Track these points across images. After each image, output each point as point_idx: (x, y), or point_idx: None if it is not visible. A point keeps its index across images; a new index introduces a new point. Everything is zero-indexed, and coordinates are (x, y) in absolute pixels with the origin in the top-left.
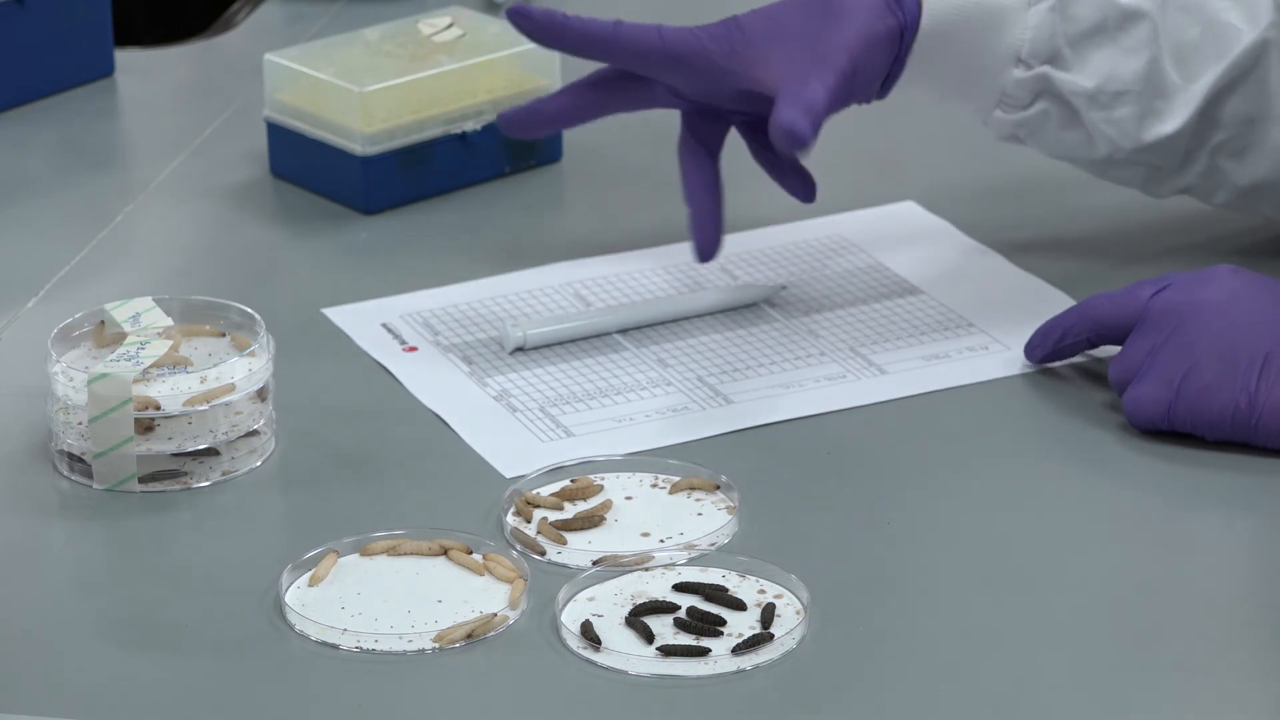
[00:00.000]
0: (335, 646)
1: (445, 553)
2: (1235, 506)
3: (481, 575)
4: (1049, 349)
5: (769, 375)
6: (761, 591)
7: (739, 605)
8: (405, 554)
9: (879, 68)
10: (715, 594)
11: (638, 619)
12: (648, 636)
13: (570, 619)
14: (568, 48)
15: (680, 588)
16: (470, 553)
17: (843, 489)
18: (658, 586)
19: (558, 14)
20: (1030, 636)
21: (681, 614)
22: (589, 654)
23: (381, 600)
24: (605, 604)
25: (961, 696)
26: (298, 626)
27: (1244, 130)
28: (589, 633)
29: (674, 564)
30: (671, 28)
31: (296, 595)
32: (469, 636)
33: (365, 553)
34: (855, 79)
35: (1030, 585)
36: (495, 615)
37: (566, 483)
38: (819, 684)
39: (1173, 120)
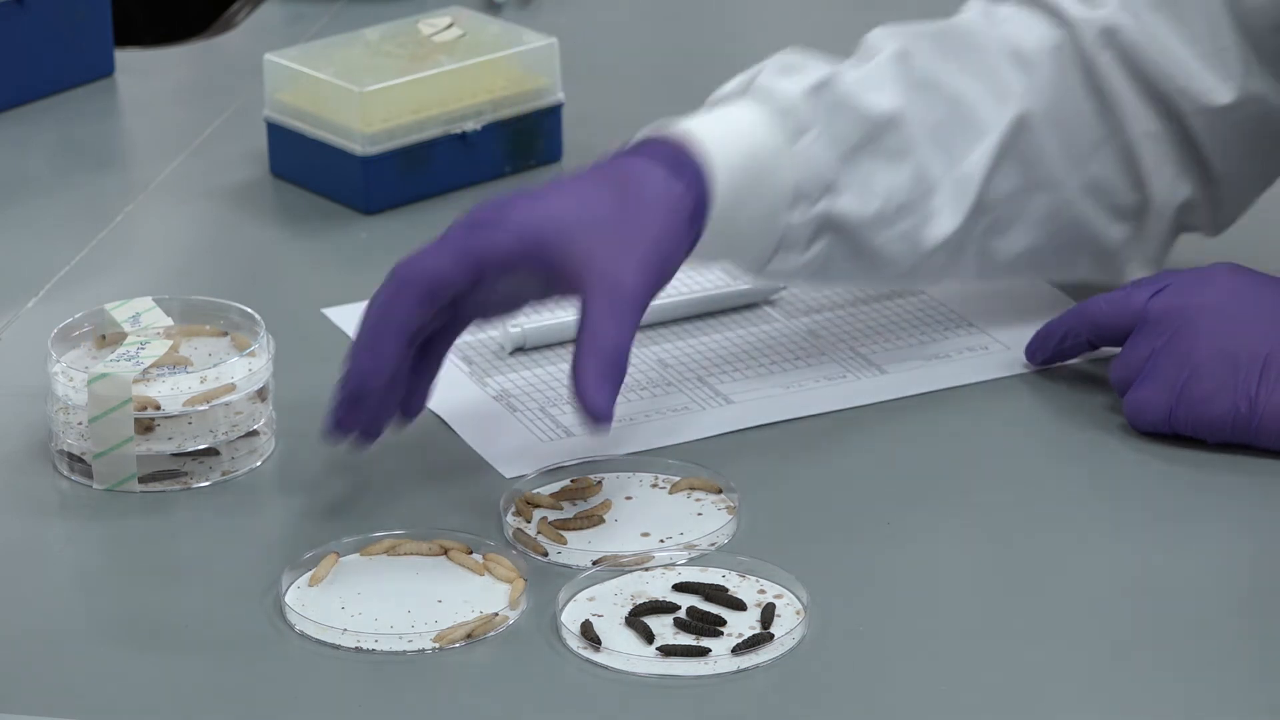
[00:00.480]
0: (335, 646)
1: (445, 553)
2: (1235, 506)
3: (481, 575)
4: (1049, 351)
5: (769, 375)
6: (761, 591)
7: (739, 605)
8: (405, 554)
9: (684, 251)
10: (715, 594)
11: (638, 619)
12: (648, 636)
13: (570, 619)
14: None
15: (680, 588)
16: (470, 553)
17: (843, 489)
18: (658, 586)
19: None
20: (1030, 636)
21: (681, 614)
22: (589, 654)
23: (381, 600)
24: (605, 604)
25: (961, 696)
26: (297, 626)
27: (1008, 207)
28: (589, 633)
29: (674, 564)
30: (479, 243)
31: (296, 595)
32: (469, 636)
33: (365, 553)
34: (665, 273)
35: (1030, 585)
36: (495, 615)
37: (566, 483)
38: (819, 684)
39: (949, 219)
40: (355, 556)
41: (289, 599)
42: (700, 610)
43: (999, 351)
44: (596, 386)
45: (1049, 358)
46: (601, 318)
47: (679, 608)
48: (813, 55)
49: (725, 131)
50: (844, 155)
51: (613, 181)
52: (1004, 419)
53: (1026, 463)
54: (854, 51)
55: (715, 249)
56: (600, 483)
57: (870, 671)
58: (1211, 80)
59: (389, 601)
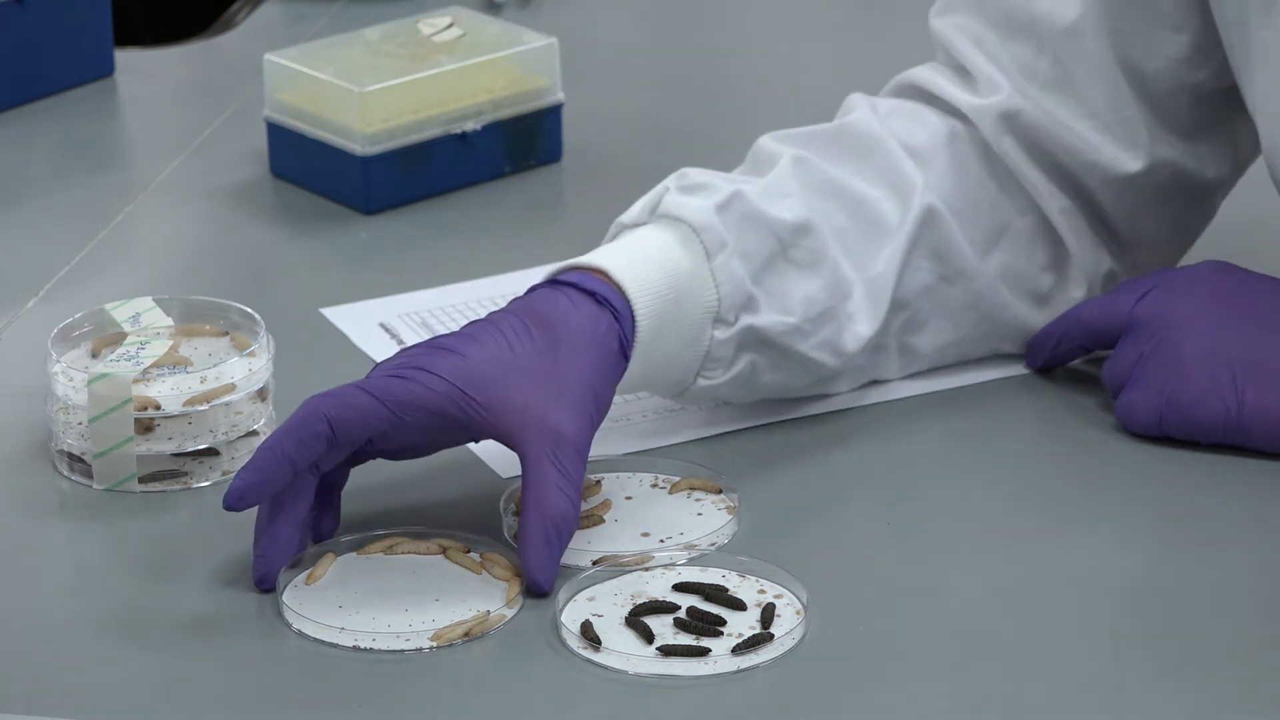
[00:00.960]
0: (334, 645)
1: (444, 552)
2: (1234, 506)
3: (479, 574)
4: (1045, 356)
5: None
6: (761, 591)
7: (739, 605)
8: (403, 553)
9: (615, 385)
10: (715, 594)
11: (638, 619)
12: (648, 636)
13: (570, 619)
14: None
15: (680, 588)
16: (468, 551)
17: (843, 489)
18: (658, 586)
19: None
20: (1029, 636)
21: (681, 614)
22: (589, 654)
23: (379, 599)
24: (605, 604)
25: (961, 696)
26: (295, 625)
27: (923, 301)
28: (589, 633)
29: (674, 564)
30: (392, 392)
31: (294, 595)
32: (466, 635)
33: (363, 552)
34: (601, 412)
35: (1029, 585)
36: (490, 614)
37: None
38: (819, 684)
39: (867, 322)
40: (353, 556)
41: (286, 598)
42: (700, 610)
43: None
44: (539, 559)
45: (1046, 362)
46: (546, 480)
47: (679, 608)
48: (712, 173)
49: (640, 258)
50: (759, 269)
51: (539, 323)
52: (1003, 419)
53: (1025, 463)
54: (748, 162)
55: (639, 377)
56: (600, 483)
57: (870, 671)
58: (1116, 151)
59: (387, 601)
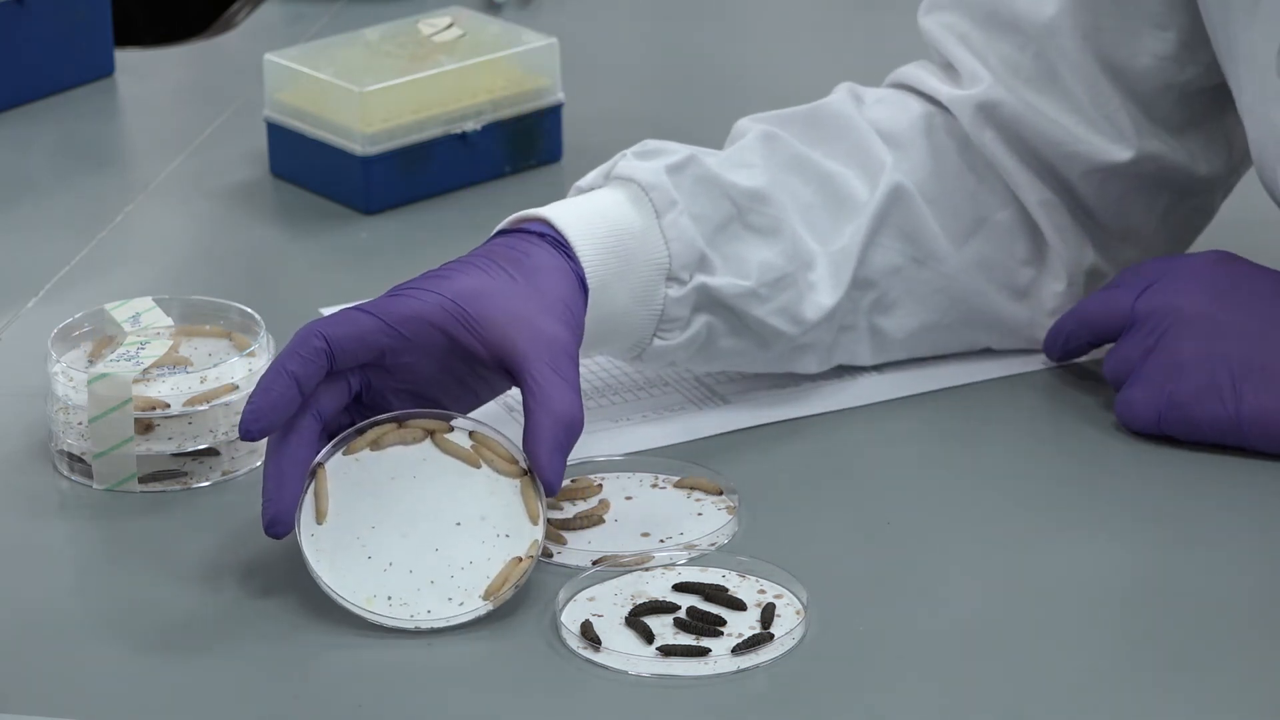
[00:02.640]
0: (398, 630)
1: (430, 436)
2: (1234, 506)
3: (478, 466)
4: (1058, 351)
5: (769, 377)
6: (761, 591)
7: (739, 605)
8: (388, 445)
9: (583, 313)
10: (715, 594)
11: (638, 619)
12: (648, 637)
13: (570, 619)
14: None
15: (680, 588)
16: (451, 431)
17: (843, 489)
18: (658, 586)
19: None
20: (1029, 636)
21: (681, 614)
22: (589, 654)
23: (401, 535)
24: (605, 604)
25: (961, 696)
26: (349, 606)
27: (892, 282)
28: (589, 633)
29: (674, 564)
30: (391, 309)
31: (320, 557)
32: (515, 586)
33: (349, 452)
34: (580, 332)
35: (1030, 585)
36: (522, 559)
37: (567, 483)
38: (819, 684)
39: (828, 293)
40: (340, 458)
41: (314, 564)
42: (700, 610)
43: (999, 351)
44: (551, 461)
45: (1061, 356)
46: (549, 382)
47: (679, 608)
48: (670, 143)
49: (588, 212)
50: (713, 231)
51: (507, 258)
52: (1003, 419)
53: (1026, 462)
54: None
55: (595, 333)
56: (600, 483)
57: (870, 671)
58: (1102, 142)
59: (409, 536)
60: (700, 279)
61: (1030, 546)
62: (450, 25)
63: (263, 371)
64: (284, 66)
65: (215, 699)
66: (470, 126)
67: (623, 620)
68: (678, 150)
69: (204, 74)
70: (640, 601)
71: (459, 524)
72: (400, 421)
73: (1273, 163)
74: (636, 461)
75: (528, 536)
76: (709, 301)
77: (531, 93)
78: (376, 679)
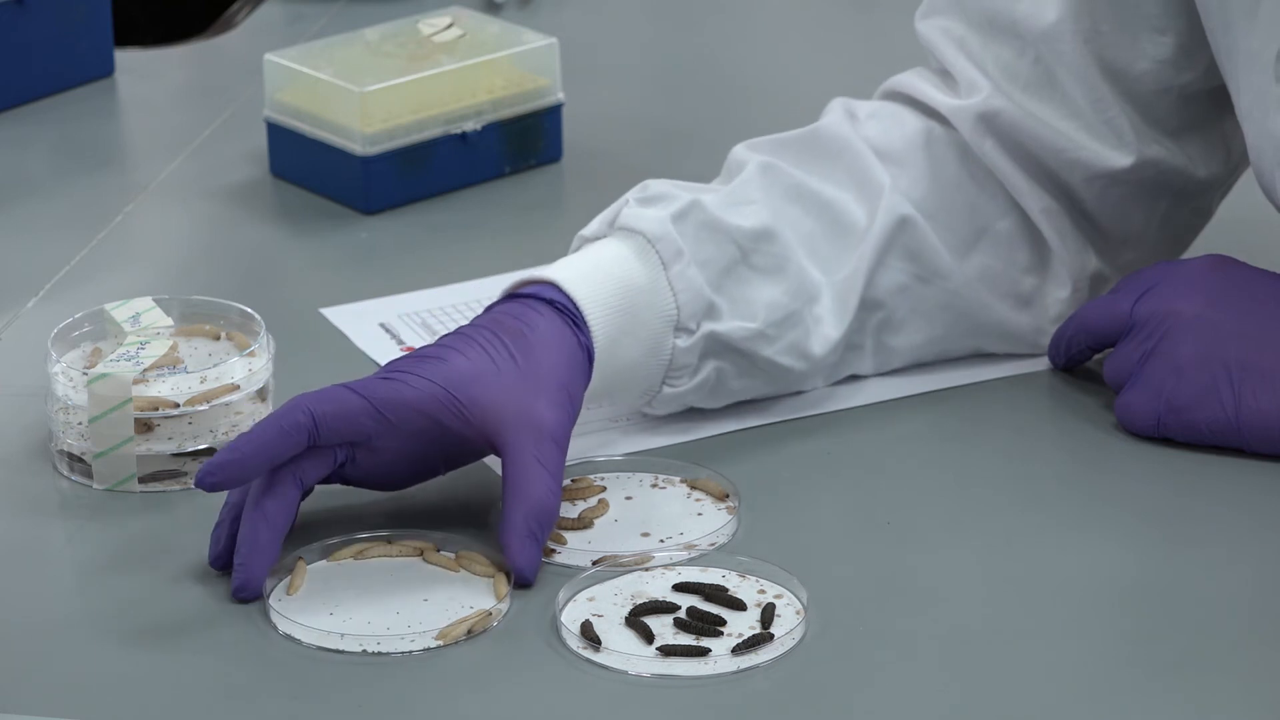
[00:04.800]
0: (338, 651)
1: (420, 554)
2: (1234, 506)
3: (457, 572)
4: (1062, 358)
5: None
6: (761, 591)
7: (739, 605)
8: (373, 558)
9: (584, 387)
10: (715, 594)
11: (638, 619)
12: (648, 637)
13: (570, 619)
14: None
15: (680, 588)
16: (438, 550)
17: (843, 489)
18: (658, 586)
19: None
20: (1030, 636)
21: (681, 614)
22: (589, 654)
23: (368, 603)
24: (605, 604)
25: (960, 696)
26: (294, 634)
27: (899, 301)
28: (589, 633)
29: (674, 564)
30: (379, 392)
31: (282, 604)
32: (469, 632)
33: (333, 559)
34: (576, 410)
35: (1029, 585)
36: (489, 612)
37: (567, 483)
38: (819, 684)
39: (833, 326)
40: (323, 563)
41: (277, 606)
42: (700, 610)
43: (997, 353)
44: (523, 551)
45: (1065, 363)
46: (527, 472)
47: (679, 608)
48: (675, 184)
49: (592, 270)
50: (718, 276)
51: (509, 333)
52: (1003, 419)
53: (1026, 463)
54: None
55: (601, 387)
56: (600, 483)
57: (870, 671)
58: (1100, 148)
59: (376, 604)
60: (708, 326)
61: (1030, 546)
62: (450, 25)
63: (260, 371)
64: (284, 66)
65: (215, 699)
66: (470, 126)
67: (623, 620)
68: (679, 195)
69: (204, 74)
70: (640, 602)
71: (425, 600)
72: (390, 540)
73: (1271, 166)
74: (637, 461)
75: (491, 605)
76: (718, 347)
77: (531, 93)
78: (376, 680)
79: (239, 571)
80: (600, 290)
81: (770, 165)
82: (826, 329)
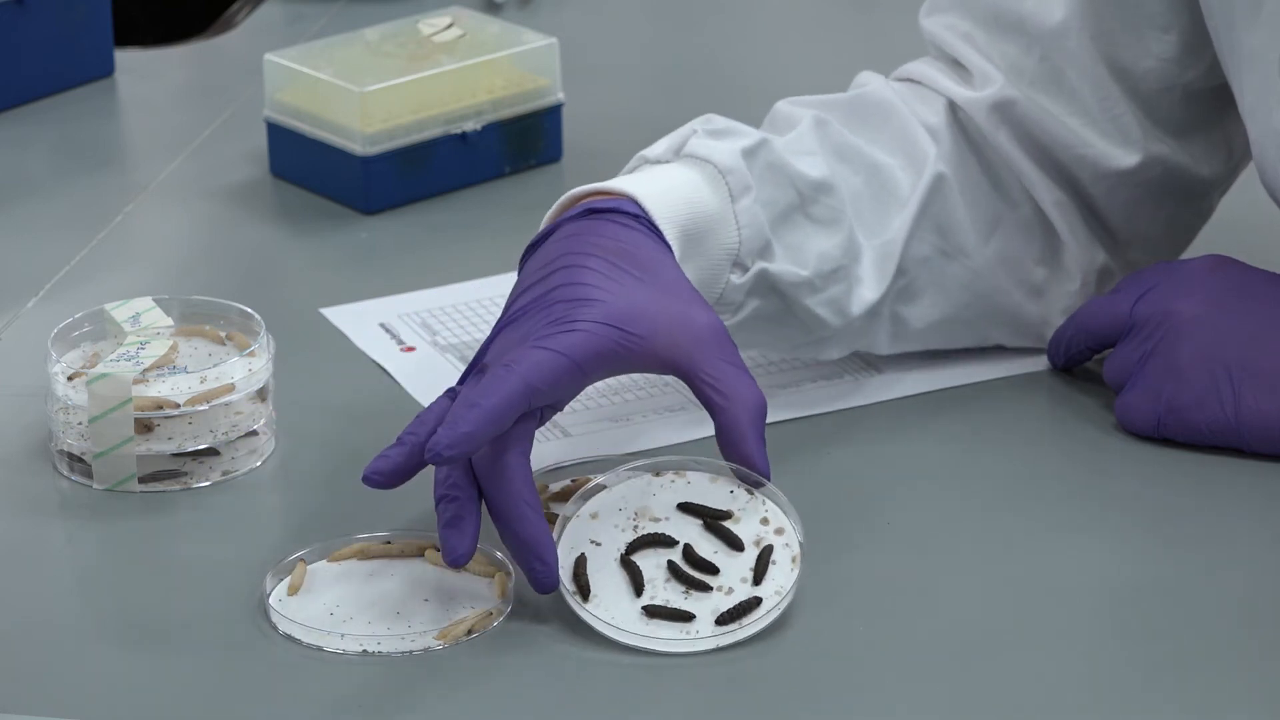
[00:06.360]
0: (338, 651)
1: (421, 554)
2: (1234, 506)
3: (457, 572)
4: (1061, 359)
5: (769, 375)
6: (764, 522)
7: (737, 544)
8: (374, 557)
9: None
10: (715, 524)
11: (630, 559)
12: (637, 585)
13: (569, 545)
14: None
15: (684, 508)
16: (438, 550)
17: (842, 489)
18: (663, 501)
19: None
20: (1030, 636)
21: (676, 556)
22: (576, 604)
23: (368, 604)
24: (606, 524)
25: (960, 696)
26: (296, 635)
27: (922, 271)
28: (581, 578)
29: (684, 469)
30: (577, 348)
31: (282, 604)
32: (470, 632)
33: (333, 559)
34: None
35: (1030, 585)
36: (491, 611)
37: (567, 483)
38: (819, 683)
39: (873, 286)
40: (323, 563)
41: (277, 607)
42: (694, 555)
43: (999, 352)
44: (759, 450)
45: (1065, 364)
46: (727, 375)
47: (675, 544)
48: (733, 121)
49: (668, 190)
50: (777, 218)
51: (619, 254)
52: (1003, 419)
53: (1026, 463)
54: (768, 121)
55: None
56: (600, 484)
57: (870, 671)
58: (1107, 146)
59: (377, 605)
60: (761, 265)
61: (1030, 547)
62: (450, 25)
63: (260, 371)
64: (284, 66)
65: (215, 699)
66: (470, 126)
67: (617, 557)
68: (750, 133)
69: (204, 74)
70: (642, 530)
71: (426, 600)
72: (390, 540)
73: (1274, 163)
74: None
75: (492, 605)
76: (765, 287)
77: (531, 93)
78: (376, 680)
79: (546, 574)
80: (676, 212)
81: (823, 120)
82: (865, 289)
